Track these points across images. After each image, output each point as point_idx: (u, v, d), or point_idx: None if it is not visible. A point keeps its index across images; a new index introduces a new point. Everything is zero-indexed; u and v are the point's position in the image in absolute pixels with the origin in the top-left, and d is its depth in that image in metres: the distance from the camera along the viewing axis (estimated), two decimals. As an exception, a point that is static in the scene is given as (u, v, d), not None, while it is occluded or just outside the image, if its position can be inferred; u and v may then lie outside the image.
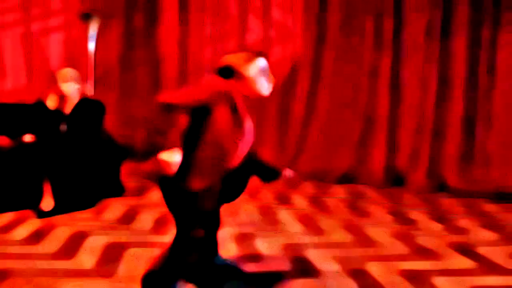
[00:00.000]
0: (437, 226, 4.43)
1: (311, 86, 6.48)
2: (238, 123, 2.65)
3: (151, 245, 3.71)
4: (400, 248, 3.82)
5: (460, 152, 5.65)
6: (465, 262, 3.55)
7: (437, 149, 5.80)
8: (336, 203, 5.17)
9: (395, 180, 5.98)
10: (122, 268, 3.28)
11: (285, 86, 6.66)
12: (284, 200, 5.25)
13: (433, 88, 5.78)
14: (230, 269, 3.29)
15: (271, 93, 6.69)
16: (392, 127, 6.05)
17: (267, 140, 6.74)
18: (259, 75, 2.74)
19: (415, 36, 5.88)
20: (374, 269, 3.35)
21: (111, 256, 3.47)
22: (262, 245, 3.79)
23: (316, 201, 5.23)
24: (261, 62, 2.76)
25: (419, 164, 5.85)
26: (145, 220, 4.38)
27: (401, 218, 4.67)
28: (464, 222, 4.56)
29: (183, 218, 2.70)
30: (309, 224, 4.40)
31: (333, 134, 6.34)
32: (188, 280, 2.95)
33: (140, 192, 5.40)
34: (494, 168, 5.50)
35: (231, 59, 2.76)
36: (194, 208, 2.64)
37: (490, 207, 5.12)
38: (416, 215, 4.78)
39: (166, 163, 2.49)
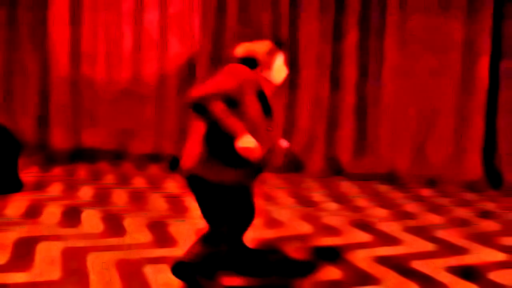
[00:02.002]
0: (337, 206, 4.87)
1: (209, 75, 6.69)
2: (267, 111, 2.71)
3: (63, 238, 3.73)
4: (307, 227, 4.18)
5: (354, 138, 6.19)
6: (366, 236, 3.98)
7: (333, 136, 6.30)
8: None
9: (294, 166, 6.39)
10: (38, 261, 3.30)
11: (183, 80, 6.83)
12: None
13: (327, 76, 6.24)
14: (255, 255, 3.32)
15: (169, 87, 6.88)
16: (289, 114, 6.45)
17: (168, 132, 6.87)
18: (280, 65, 2.85)
19: (309, 28, 6.31)
20: (287, 247, 3.67)
21: (24, 251, 3.45)
22: (176, 231, 3.96)
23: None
24: (282, 54, 2.86)
25: (316, 150, 6.32)
26: (52, 213, 4.35)
27: (303, 200, 5.06)
28: (361, 202, 5.06)
29: (215, 213, 2.74)
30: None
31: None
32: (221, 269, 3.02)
33: (39, 186, 5.33)
34: (384, 153, 6.09)
35: (255, 49, 2.79)
36: (227, 202, 2.70)
37: (383, 188, 5.70)
38: (317, 197, 5.20)
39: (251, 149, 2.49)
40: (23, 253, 3.41)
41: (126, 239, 3.74)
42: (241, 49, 2.85)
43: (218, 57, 6.58)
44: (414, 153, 6.00)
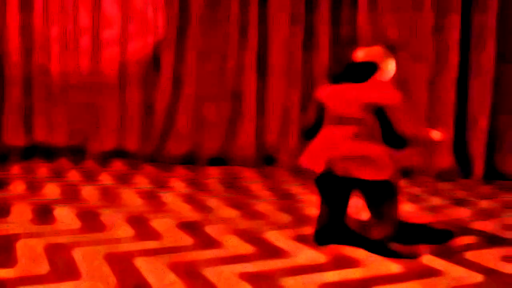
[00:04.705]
0: (314, 198, 5.14)
1: (175, 68, 6.86)
2: None
3: (42, 235, 3.84)
4: (288, 218, 4.43)
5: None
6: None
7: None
8: (215, 184, 5.68)
9: (266, 159, 6.66)
10: (21, 257, 3.40)
11: (147, 70, 6.97)
12: (162, 184, 5.63)
13: (298, 66, 6.54)
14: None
15: (133, 79, 6.99)
16: (260, 105, 6.71)
17: (130, 128, 7.00)
18: (392, 67, 3.55)
19: (280, 11, 6.59)
20: (272, 237, 3.91)
21: (4, 249, 3.55)
22: (158, 224, 4.14)
23: (194, 183, 5.68)
24: (393, 57, 3.56)
25: (289, 142, 6.60)
26: (22, 211, 4.44)
27: (280, 193, 5.32)
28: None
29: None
30: (195, 203, 4.84)
31: (201, 116, 6.82)
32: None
33: None
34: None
35: (375, 53, 3.52)
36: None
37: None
38: (293, 189, 5.48)
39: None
40: (3, 250, 3.51)
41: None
42: (361, 54, 3.57)
43: (183, 47, 6.76)
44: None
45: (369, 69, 3.49)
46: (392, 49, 3.62)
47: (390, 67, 3.57)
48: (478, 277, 3.21)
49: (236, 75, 6.71)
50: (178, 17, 6.77)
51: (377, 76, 3.51)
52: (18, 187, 5.35)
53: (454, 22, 6.08)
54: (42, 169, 6.26)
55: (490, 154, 6.22)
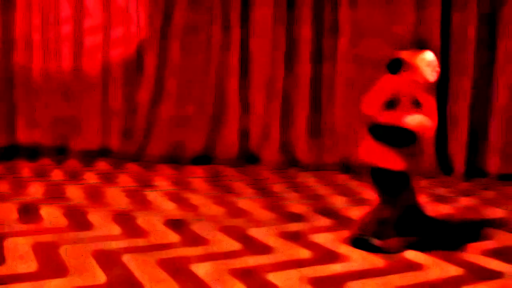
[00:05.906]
0: (297, 196, 5.25)
1: (158, 68, 6.91)
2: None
3: (29, 233, 3.88)
4: (273, 215, 4.52)
5: (309, 128, 6.60)
6: (331, 222, 4.37)
7: (287, 126, 6.69)
8: (199, 182, 5.75)
9: (248, 158, 6.74)
10: (9, 256, 3.44)
11: (130, 70, 7.01)
12: (147, 183, 5.69)
13: (281, 64, 6.64)
14: None
15: (116, 79, 7.03)
16: (243, 104, 6.80)
17: (112, 128, 7.03)
18: (426, 65, 3.57)
19: (262, 12, 6.68)
20: (258, 233, 4.00)
21: (-10, 247, 3.59)
22: (144, 222, 4.21)
23: (179, 182, 5.75)
24: (428, 54, 3.62)
25: (271, 141, 6.69)
26: (7, 210, 4.47)
27: (264, 191, 5.40)
28: (320, 191, 5.46)
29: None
30: (180, 201, 4.91)
31: (184, 115, 6.89)
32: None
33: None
34: (339, 141, 6.52)
35: (402, 53, 3.65)
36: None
37: (339, 177, 6.14)
38: (276, 188, 5.57)
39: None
40: (-10, 249, 3.55)
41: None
42: (392, 54, 3.71)
43: (166, 47, 6.82)
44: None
45: (394, 65, 3.62)
46: (421, 44, 3.85)
47: (423, 61, 3.61)
48: (459, 271, 3.34)
49: (219, 74, 6.78)
50: (161, 18, 6.81)
51: (407, 70, 3.59)
52: (2, 186, 5.37)
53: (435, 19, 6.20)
54: (25, 169, 6.28)
55: (471, 152, 6.35)
